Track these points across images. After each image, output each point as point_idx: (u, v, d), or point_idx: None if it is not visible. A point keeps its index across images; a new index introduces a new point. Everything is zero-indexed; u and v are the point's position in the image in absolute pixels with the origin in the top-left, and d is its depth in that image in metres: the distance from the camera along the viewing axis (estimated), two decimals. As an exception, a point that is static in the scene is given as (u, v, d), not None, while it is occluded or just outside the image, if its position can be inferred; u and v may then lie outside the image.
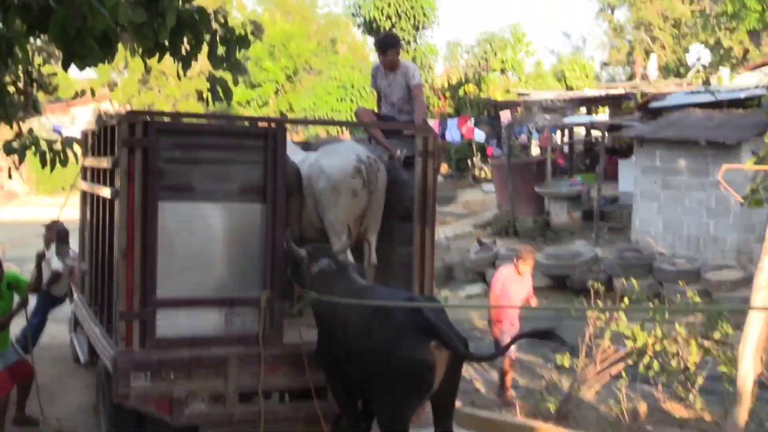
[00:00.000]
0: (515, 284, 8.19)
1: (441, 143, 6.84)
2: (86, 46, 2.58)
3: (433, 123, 21.17)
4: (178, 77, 4.02)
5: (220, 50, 3.51)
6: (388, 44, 6.87)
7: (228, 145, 5.43)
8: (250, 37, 3.54)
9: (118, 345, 5.19)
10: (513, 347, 7.41)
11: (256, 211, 5.46)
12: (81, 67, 3.34)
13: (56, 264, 8.56)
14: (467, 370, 9.29)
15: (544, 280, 13.63)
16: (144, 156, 5.11)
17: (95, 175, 6.37)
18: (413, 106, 6.83)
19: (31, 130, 4.82)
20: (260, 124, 5.82)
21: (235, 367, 5.37)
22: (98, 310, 6.15)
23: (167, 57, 3.51)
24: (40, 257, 6.10)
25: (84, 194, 7.28)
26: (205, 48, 3.66)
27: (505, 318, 8.14)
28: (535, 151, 22.68)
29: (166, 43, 3.34)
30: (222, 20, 3.42)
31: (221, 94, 3.87)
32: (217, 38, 3.40)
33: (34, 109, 6.17)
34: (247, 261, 5.47)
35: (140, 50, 3.45)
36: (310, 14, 38.03)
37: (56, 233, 7.92)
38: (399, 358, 4.56)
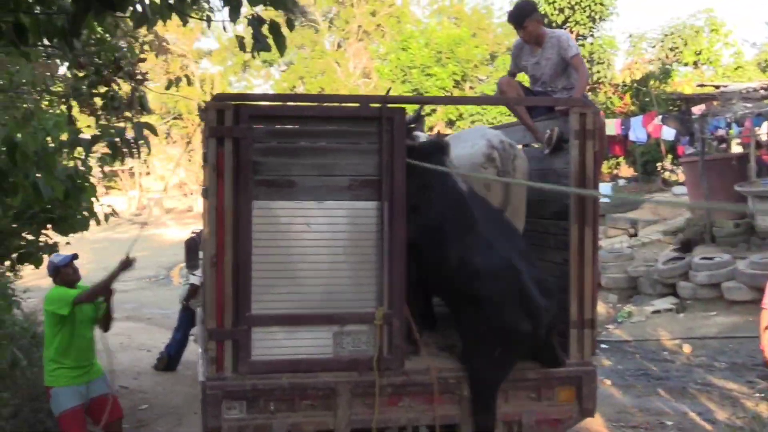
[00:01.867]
0: None
1: (603, 122, 5.49)
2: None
3: (614, 122, 19.40)
4: (224, 28, 3.18)
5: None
6: (523, 15, 5.61)
7: (335, 132, 4.54)
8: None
9: (207, 369, 4.44)
10: None
11: (371, 210, 4.54)
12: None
13: (193, 278, 8.16)
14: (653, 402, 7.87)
15: (749, 293, 11.80)
16: (235, 147, 4.34)
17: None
18: (572, 80, 5.61)
19: (106, 119, 4.20)
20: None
21: (346, 397, 4.50)
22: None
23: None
24: (124, 265, 5.41)
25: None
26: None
27: None
28: (736, 149, 20.08)
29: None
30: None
31: (273, 40, 2.95)
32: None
33: (141, 106, 5.61)
34: (359, 270, 4.56)
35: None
36: (486, 24, 37.03)
37: (185, 244, 7.43)
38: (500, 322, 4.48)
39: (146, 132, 4.16)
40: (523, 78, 5.99)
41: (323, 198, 4.49)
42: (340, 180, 4.51)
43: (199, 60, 41.00)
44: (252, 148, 4.37)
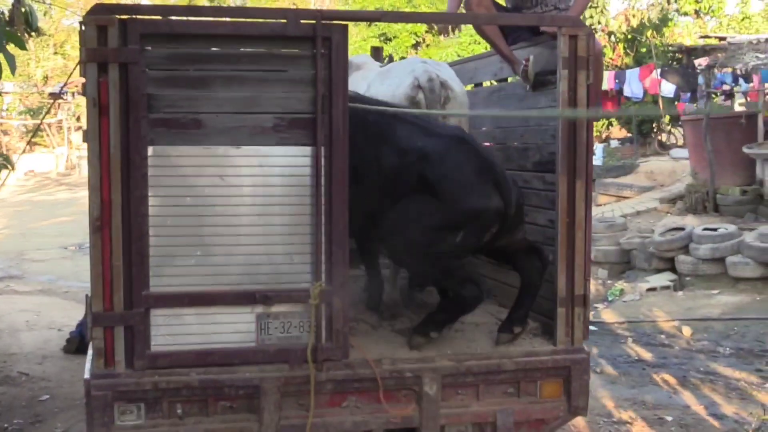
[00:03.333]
0: None
1: (600, 48, 4.91)
2: None
3: (607, 75, 18.95)
4: None
5: None
6: None
7: (256, 56, 3.97)
8: None
9: (94, 364, 3.91)
10: None
11: (303, 158, 3.98)
12: None
13: None
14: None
15: (757, 269, 11.73)
16: (123, 76, 3.74)
17: None
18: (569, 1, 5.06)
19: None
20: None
21: (274, 397, 4.00)
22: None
23: None
24: None
25: None
26: None
27: None
28: (738, 108, 19.87)
29: None
30: None
31: None
32: None
33: (27, 24, 4.88)
34: (289, 235, 4.03)
35: None
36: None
37: None
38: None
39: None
40: None
41: (241, 142, 3.93)
42: (262, 119, 3.93)
43: (132, -4, 39.73)
44: (145, 76, 3.78)
